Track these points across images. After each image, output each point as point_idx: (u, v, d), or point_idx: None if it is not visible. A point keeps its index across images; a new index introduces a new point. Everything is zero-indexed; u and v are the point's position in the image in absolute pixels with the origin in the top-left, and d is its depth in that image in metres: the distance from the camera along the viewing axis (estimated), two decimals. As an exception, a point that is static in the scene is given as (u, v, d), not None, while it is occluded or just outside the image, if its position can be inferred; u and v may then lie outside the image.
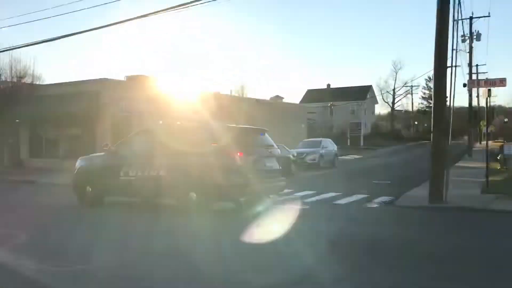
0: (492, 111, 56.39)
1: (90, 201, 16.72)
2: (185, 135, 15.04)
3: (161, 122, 16.76)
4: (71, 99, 33.89)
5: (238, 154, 14.30)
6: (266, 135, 16.00)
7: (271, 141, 16.02)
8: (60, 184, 24.25)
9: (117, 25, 22.71)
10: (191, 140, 14.71)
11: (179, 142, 14.74)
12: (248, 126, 16.39)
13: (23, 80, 34.13)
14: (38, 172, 32.44)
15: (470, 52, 45.69)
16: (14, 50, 31.46)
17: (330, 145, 38.32)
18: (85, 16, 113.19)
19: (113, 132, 33.48)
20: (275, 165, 15.60)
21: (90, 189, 16.91)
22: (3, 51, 31.75)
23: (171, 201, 15.04)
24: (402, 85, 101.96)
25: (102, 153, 17.08)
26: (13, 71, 34.00)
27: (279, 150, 16.51)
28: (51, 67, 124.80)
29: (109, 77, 35.36)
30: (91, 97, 33.43)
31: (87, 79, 35.27)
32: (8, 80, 33.94)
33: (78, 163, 17.85)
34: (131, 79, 37.87)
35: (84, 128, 33.97)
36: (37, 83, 35.07)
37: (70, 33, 39.02)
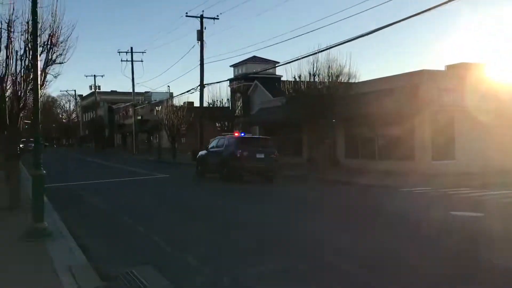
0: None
1: (198, 174, 32.67)
2: None
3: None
4: (387, 96, 32.80)
5: None
6: None
7: None
8: (376, 186, 24.99)
9: (430, 11, 21.83)
10: None
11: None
12: None
13: (339, 79, 34.00)
14: (353, 172, 32.08)
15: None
16: (331, 49, 31.53)
17: None
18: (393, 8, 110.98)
19: (433, 129, 31.58)
20: None
21: (199, 167, 32.90)
22: (322, 51, 32.04)
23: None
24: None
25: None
26: (330, 71, 34.06)
27: None
28: (364, 63, 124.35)
29: (428, 68, 33.49)
30: (409, 91, 31.83)
31: (403, 72, 33.81)
32: (324, 80, 34.11)
33: (199, 153, 34.47)
34: (452, 68, 35.41)
35: (401, 126, 32.54)
36: (353, 81, 34.65)
37: (383, 25, 38.13)
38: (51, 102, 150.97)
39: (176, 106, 57.28)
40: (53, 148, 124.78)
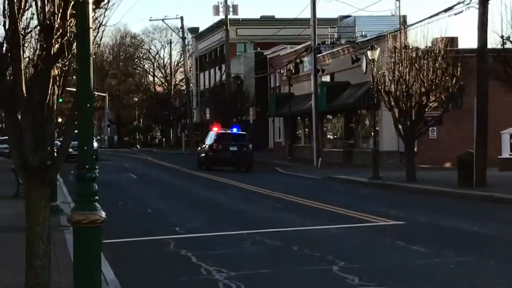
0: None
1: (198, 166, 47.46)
2: None
3: None
4: None
5: None
6: None
7: None
8: None
9: None
10: None
11: None
12: None
13: None
14: None
15: None
16: None
17: None
18: None
19: None
20: None
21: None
22: None
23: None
24: None
25: None
26: None
27: None
28: None
29: None
30: None
31: None
32: None
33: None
34: None
35: None
36: None
37: None
38: (130, 47, 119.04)
39: (419, 48, 33.90)
40: (141, 152, 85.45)
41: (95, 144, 58.60)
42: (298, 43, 63.99)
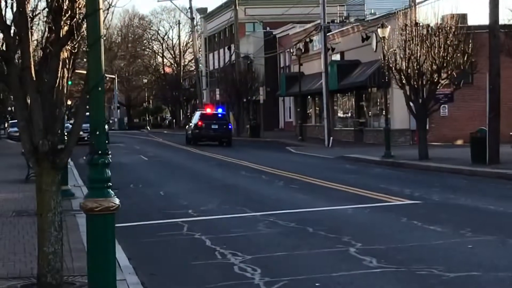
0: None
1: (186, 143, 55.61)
2: None
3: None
4: None
5: None
6: None
7: None
8: None
9: None
10: None
11: None
12: None
13: None
14: None
15: None
16: None
17: None
18: None
19: None
20: None
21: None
22: None
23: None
24: None
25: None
26: None
27: None
28: None
29: None
30: None
31: None
32: None
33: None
34: None
35: None
36: None
37: None
38: (139, 28, 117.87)
39: (430, 25, 33.49)
40: (151, 135, 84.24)
41: (106, 127, 58.53)
42: (308, 22, 63.55)
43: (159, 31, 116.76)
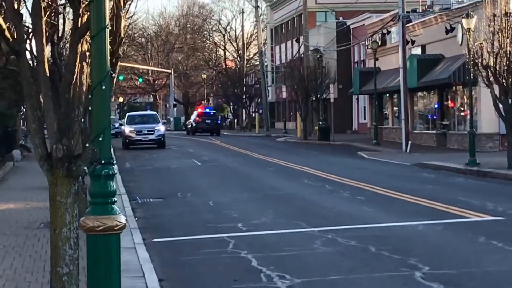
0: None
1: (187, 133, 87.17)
2: None
3: None
4: None
5: None
6: None
7: None
8: None
9: None
10: None
11: None
12: None
13: None
14: None
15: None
16: None
17: None
18: None
19: None
20: None
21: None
22: None
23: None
24: None
25: None
26: None
27: None
28: None
29: None
30: None
31: None
32: None
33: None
34: None
35: None
36: None
37: None
38: (198, 17, 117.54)
39: None
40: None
41: (162, 128, 57.74)
42: (385, 11, 62.75)
43: (220, 21, 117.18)
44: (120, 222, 6.75)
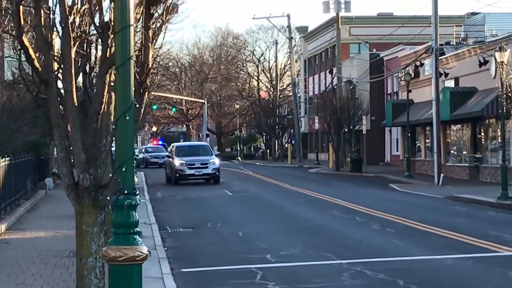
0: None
1: None
2: None
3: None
4: None
5: None
6: None
7: None
8: None
9: None
10: None
11: None
12: None
13: None
14: None
15: None
16: None
17: None
18: None
19: None
20: None
21: None
22: None
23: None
24: None
25: None
26: None
27: None
28: None
29: None
30: None
31: None
32: None
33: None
34: None
35: None
36: None
37: None
38: (232, 48, 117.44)
39: None
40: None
41: (217, 161, 49.81)
42: (419, 43, 62.61)
43: (254, 52, 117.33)
44: (142, 252, 6.76)
